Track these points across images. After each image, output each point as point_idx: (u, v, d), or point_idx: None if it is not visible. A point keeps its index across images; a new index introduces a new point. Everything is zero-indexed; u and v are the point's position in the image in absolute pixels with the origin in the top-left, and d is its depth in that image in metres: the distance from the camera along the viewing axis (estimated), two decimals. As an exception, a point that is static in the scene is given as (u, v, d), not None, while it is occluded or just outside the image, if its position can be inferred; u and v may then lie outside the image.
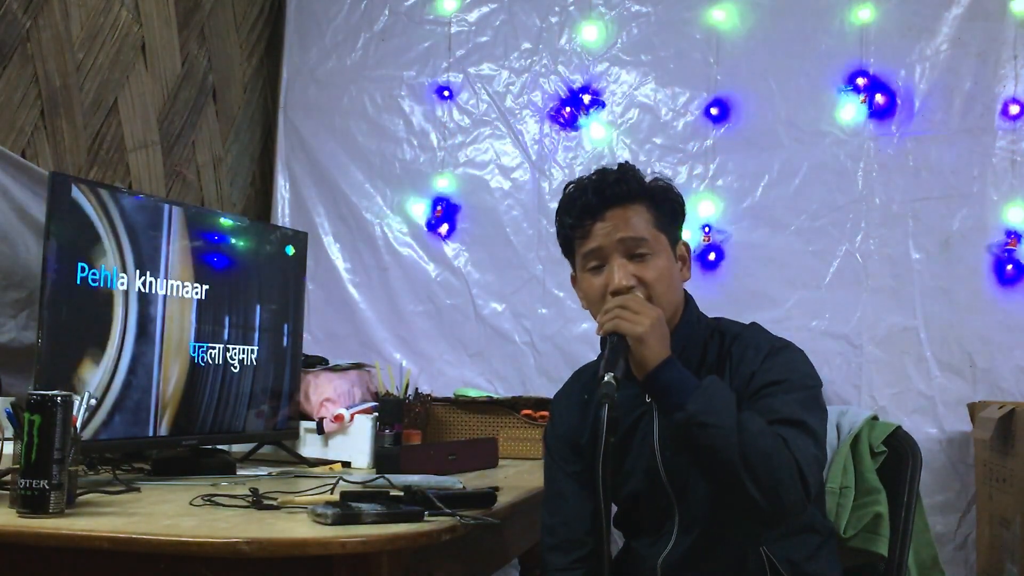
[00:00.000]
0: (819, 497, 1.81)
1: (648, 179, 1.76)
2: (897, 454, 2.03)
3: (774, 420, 1.56)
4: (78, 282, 1.97)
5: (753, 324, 1.79)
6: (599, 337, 1.65)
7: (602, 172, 1.75)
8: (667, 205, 1.75)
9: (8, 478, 1.63)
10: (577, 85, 3.37)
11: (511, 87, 3.44)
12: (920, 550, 2.06)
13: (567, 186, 1.78)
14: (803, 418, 1.58)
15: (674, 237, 1.76)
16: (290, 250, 2.60)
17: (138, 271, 2.10)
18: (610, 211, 1.70)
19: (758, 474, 1.50)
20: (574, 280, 1.80)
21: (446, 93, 3.47)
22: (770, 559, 1.66)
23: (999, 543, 2.69)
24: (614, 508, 1.85)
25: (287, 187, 3.57)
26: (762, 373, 1.65)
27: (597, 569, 1.74)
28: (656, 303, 1.66)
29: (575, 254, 1.76)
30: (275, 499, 1.72)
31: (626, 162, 1.78)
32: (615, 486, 1.74)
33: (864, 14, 3.14)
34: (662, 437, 1.70)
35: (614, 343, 1.59)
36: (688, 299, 1.79)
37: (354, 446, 2.62)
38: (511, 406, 2.95)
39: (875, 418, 2.12)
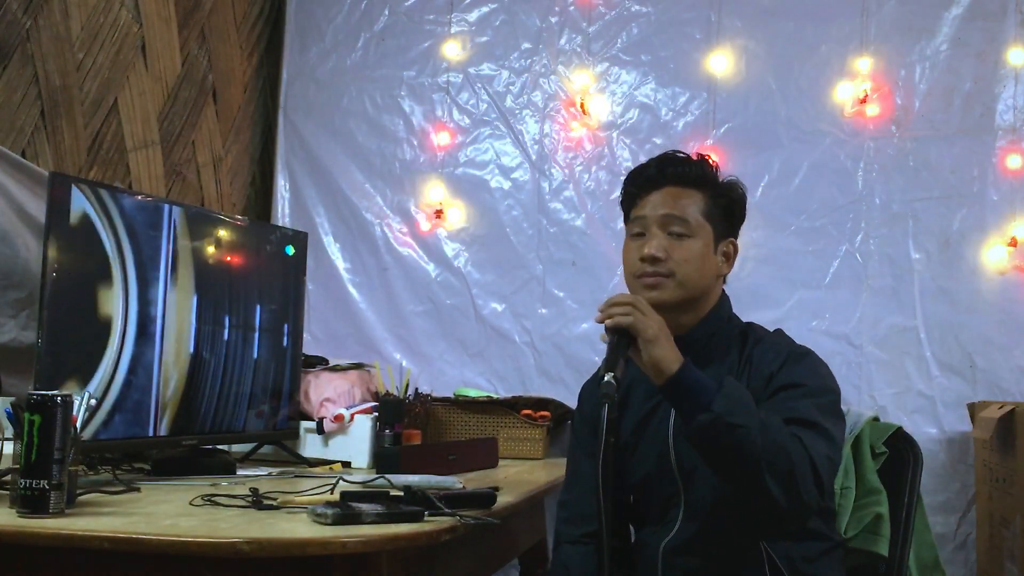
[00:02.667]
0: (825, 508, 1.81)
1: (723, 177, 1.84)
2: (898, 455, 2.03)
3: (790, 420, 1.58)
4: (78, 282, 1.97)
5: (777, 330, 1.84)
6: (606, 328, 1.65)
7: (675, 152, 1.84)
8: (724, 200, 1.82)
9: (8, 478, 1.62)
10: (577, 85, 3.37)
11: (511, 87, 3.44)
12: (921, 551, 2.06)
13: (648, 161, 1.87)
14: (819, 420, 1.60)
15: (722, 232, 1.82)
16: (290, 250, 2.60)
17: (138, 271, 2.10)
18: (667, 187, 1.79)
19: (778, 471, 1.51)
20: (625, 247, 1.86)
21: (446, 93, 3.47)
22: (769, 554, 1.68)
23: (999, 543, 2.69)
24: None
25: (287, 187, 3.57)
26: (781, 376, 1.69)
27: (609, 551, 1.75)
28: (678, 280, 1.73)
29: (628, 220, 1.84)
30: (275, 499, 1.72)
31: (709, 155, 1.86)
32: (630, 471, 1.80)
33: (864, 14, 3.14)
34: (677, 425, 1.73)
35: (614, 343, 1.59)
36: (723, 297, 1.85)
37: (354, 446, 2.62)
38: (511, 406, 2.95)
39: (876, 418, 2.12)
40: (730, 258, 1.85)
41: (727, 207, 1.83)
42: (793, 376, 1.68)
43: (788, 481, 1.51)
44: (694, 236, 1.77)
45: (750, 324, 1.85)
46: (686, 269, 1.75)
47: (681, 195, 1.78)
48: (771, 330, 1.85)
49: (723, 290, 1.86)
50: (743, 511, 1.64)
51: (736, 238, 1.87)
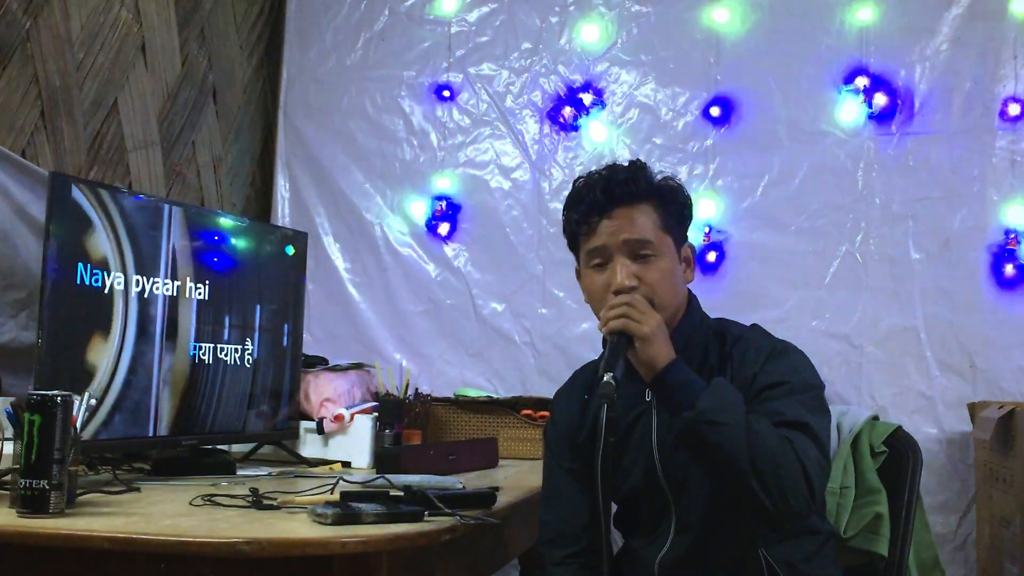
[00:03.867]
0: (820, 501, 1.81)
1: (658, 178, 1.76)
2: (898, 454, 2.03)
3: (778, 422, 1.56)
4: (78, 282, 1.97)
5: (754, 325, 1.79)
6: (601, 336, 1.65)
7: (612, 169, 1.75)
8: (674, 207, 1.75)
9: (8, 478, 1.62)
10: (577, 85, 3.37)
11: (511, 87, 3.44)
12: (921, 550, 2.06)
13: (577, 180, 1.78)
14: (807, 420, 1.58)
15: (680, 238, 1.76)
16: (290, 250, 2.60)
17: (138, 271, 2.10)
18: (617, 210, 1.70)
19: (765, 476, 1.50)
20: (579, 274, 1.80)
21: (446, 93, 3.47)
22: (768, 561, 1.66)
23: (999, 543, 2.69)
24: (614, 507, 1.86)
25: (287, 187, 3.57)
26: (764, 375, 1.65)
27: (594, 565, 1.74)
28: (657, 304, 1.66)
29: (580, 249, 1.77)
30: (275, 499, 1.72)
31: (637, 160, 1.78)
32: (614, 484, 1.75)
33: (864, 14, 3.14)
34: (660, 436, 1.70)
35: (614, 343, 1.59)
36: (691, 299, 1.79)
37: (354, 446, 2.62)
38: (511, 406, 2.95)
39: (876, 418, 2.12)
40: (691, 263, 1.79)
41: (679, 213, 1.76)
42: (776, 374, 1.65)
43: (775, 485, 1.50)
44: (660, 255, 1.70)
45: (721, 321, 1.80)
46: (661, 291, 1.68)
47: (635, 214, 1.70)
48: (748, 325, 1.80)
49: (689, 292, 1.80)
50: (737, 520, 1.62)
51: (688, 241, 1.80)
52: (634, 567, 1.78)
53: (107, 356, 2.03)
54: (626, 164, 1.76)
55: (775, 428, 1.55)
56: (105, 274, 2.03)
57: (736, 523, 1.64)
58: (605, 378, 1.53)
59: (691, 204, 1.80)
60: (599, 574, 1.70)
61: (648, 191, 1.73)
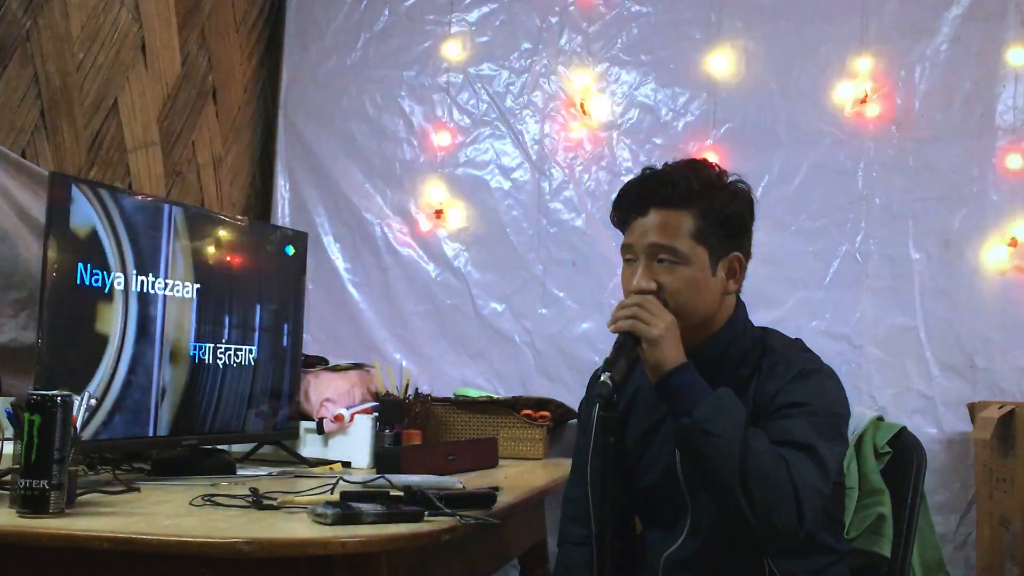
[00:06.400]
0: (835, 521, 1.79)
1: (731, 178, 1.73)
2: (901, 455, 2.03)
3: (784, 441, 1.55)
4: (78, 282, 1.97)
5: (796, 340, 1.77)
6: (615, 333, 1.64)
7: (658, 169, 1.72)
8: (715, 216, 1.68)
9: (8, 478, 1.62)
10: (577, 85, 3.36)
11: (511, 87, 3.44)
12: (925, 552, 2.06)
13: (644, 170, 1.75)
14: (813, 443, 1.55)
15: (721, 250, 1.69)
16: (290, 250, 2.60)
17: (138, 271, 2.10)
18: (652, 210, 1.67)
19: (753, 493, 1.49)
20: None
21: (446, 93, 3.47)
22: (772, 572, 1.66)
23: (999, 543, 2.69)
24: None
25: (287, 187, 3.57)
26: (786, 393, 1.63)
27: (606, 553, 1.74)
28: (673, 309, 1.64)
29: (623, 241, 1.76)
30: (275, 499, 1.72)
31: (695, 160, 1.74)
32: (635, 476, 1.77)
33: (864, 14, 3.14)
34: None
35: (619, 343, 1.59)
36: (738, 308, 1.76)
37: (354, 446, 2.62)
38: (511, 406, 2.95)
39: (880, 418, 2.11)
40: (736, 273, 1.72)
41: (721, 224, 1.68)
42: (797, 395, 1.62)
43: (761, 503, 1.49)
44: (686, 263, 1.65)
45: (767, 332, 1.77)
46: (679, 297, 1.65)
47: (669, 220, 1.65)
48: (792, 338, 1.77)
49: (738, 299, 1.76)
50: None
51: (742, 249, 1.73)
52: (643, 558, 1.80)
53: (107, 356, 2.03)
54: (684, 161, 1.74)
55: (778, 447, 1.54)
56: (105, 274, 2.03)
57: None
58: (602, 378, 1.53)
59: (745, 214, 1.72)
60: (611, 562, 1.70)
61: (687, 198, 1.67)
